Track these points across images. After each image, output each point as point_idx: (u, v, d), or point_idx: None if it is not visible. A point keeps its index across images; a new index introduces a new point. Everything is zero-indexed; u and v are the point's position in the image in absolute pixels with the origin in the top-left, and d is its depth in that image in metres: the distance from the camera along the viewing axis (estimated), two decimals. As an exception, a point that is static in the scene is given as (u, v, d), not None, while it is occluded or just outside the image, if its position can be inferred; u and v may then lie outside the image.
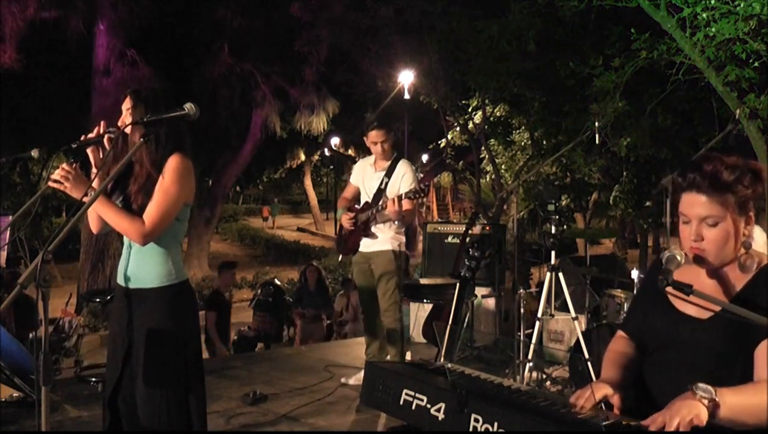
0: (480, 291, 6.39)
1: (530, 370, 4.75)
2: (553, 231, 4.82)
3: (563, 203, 15.17)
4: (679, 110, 10.19)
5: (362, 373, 2.25)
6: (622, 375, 2.02)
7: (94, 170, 2.67)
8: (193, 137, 2.71)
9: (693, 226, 1.93)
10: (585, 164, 11.35)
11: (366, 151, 5.28)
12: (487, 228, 7.11)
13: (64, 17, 11.75)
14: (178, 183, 2.58)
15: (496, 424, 1.75)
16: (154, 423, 2.56)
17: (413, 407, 1.96)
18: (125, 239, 2.67)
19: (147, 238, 2.57)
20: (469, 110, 14.13)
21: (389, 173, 4.93)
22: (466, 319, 5.84)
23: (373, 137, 4.92)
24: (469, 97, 13.69)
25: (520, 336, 5.09)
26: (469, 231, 6.05)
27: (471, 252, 4.03)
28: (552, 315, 5.14)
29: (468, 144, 14.97)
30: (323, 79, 14.97)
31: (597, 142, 5.83)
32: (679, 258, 1.92)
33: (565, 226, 5.83)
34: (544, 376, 4.95)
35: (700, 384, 1.71)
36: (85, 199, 2.41)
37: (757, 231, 3.05)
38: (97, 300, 6.33)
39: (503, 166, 15.40)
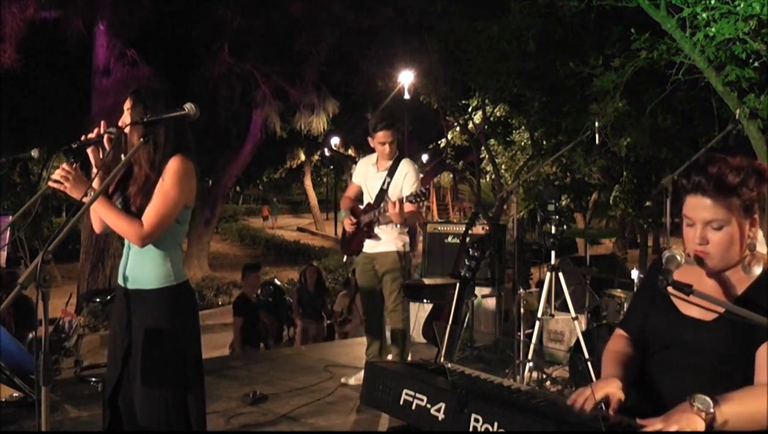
0: (480, 291, 6.39)
1: (530, 370, 4.74)
2: (553, 231, 4.81)
3: (563, 203, 15.16)
4: (679, 110, 10.19)
5: (362, 373, 2.25)
6: (623, 374, 2.01)
7: (94, 170, 2.67)
8: (193, 137, 2.70)
9: (698, 230, 1.90)
10: (585, 164, 11.35)
11: (366, 151, 5.26)
12: (487, 228, 7.11)
13: (64, 17, 11.75)
14: (178, 185, 2.57)
15: (496, 424, 1.75)
16: (152, 424, 2.56)
17: (413, 407, 1.96)
18: (125, 240, 2.67)
19: (145, 240, 2.56)
20: (469, 110, 14.15)
21: (391, 173, 4.89)
22: (466, 319, 5.84)
23: (382, 138, 4.87)
24: (469, 97, 13.71)
25: (520, 336, 5.09)
26: (469, 231, 6.05)
27: (471, 252, 4.02)
28: (552, 315, 5.14)
29: (468, 144, 14.99)
30: (323, 79, 14.97)
31: (597, 142, 5.81)
32: (679, 258, 1.90)
33: (565, 226, 5.83)
34: (544, 376, 4.95)
35: (698, 396, 1.69)
36: (85, 199, 2.41)
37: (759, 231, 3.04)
38: (97, 300, 6.34)
39: (503, 166, 15.42)
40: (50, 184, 2.54)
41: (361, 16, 13.45)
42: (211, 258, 20.01)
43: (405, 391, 1.99)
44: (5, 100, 12.70)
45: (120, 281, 2.70)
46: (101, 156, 2.66)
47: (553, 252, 4.81)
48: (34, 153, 2.81)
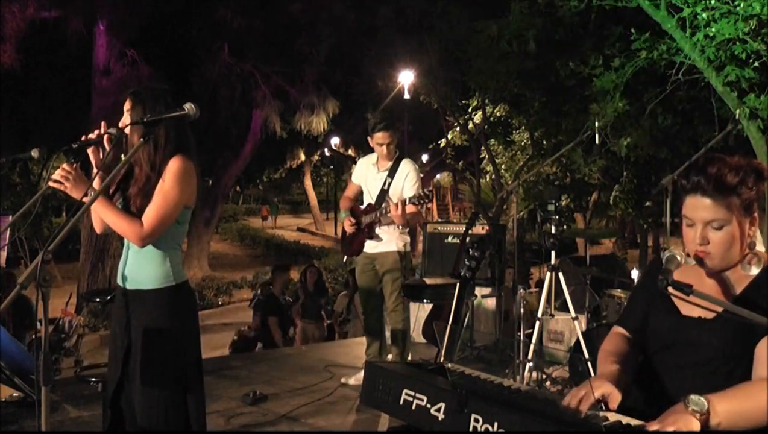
0: (480, 291, 6.39)
1: (530, 370, 4.74)
2: (553, 231, 4.81)
3: (563, 203, 15.17)
4: (679, 110, 10.18)
5: (362, 373, 2.25)
6: (620, 373, 2.00)
7: (94, 170, 2.67)
8: (193, 137, 2.70)
9: (698, 230, 1.91)
10: (585, 164, 11.35)
11: (366, 151, 5.25)
12: (487, 228, 7.11)
13: (64, 17, 11.77)
14: (178, 186, 2.57)
15: (496, 424, 1.75)
16: (152, 424, 2.56)
17: (413, 407, 1.96)
18: (125, 240, 2.67)
19: (145, 241, 2.56)
20: (469, 110, 14.16)
21: (392, 173, 4.87)
22: (466, 319, 5.83)
23: (380, 139, 4.85)
24: (469, 97, 13.72)
25: (520, 336, 5.08)
26: (469, 231, 6.04)
27: (471, 252, 4.02)
28: (552, 315, 5.13)
29: (468, 144, 15.00)
30: (323, 79, 14.98)
31: (597, 142, 5.82)
32: (678, 258, 1.90)
33: (565, 226, 5.83)
34: (544, 376, 4.95)
35: (692, 396, 1.69)
36: (85, 200, 2.41)
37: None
38: (97, 300, 6.34)
39: (503, 166, 15.43)
40: (50, 184, 2.54)
41: (361, 16, 13.45)
42: (211, 258, 20.02)
43: (405, 391, 1.99)
44: (5, 100, 12.71)
45: (119, 281, 2.70)
46: (101, 156, 2.66)
47: (553, 252, 4.81)
48: (34, 153, 2.81)
